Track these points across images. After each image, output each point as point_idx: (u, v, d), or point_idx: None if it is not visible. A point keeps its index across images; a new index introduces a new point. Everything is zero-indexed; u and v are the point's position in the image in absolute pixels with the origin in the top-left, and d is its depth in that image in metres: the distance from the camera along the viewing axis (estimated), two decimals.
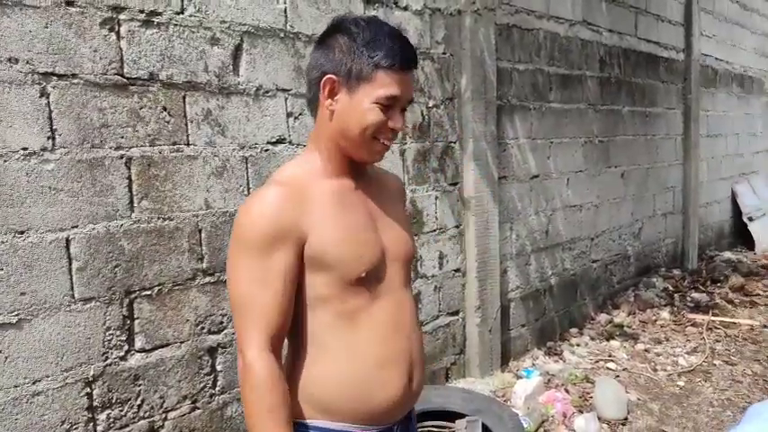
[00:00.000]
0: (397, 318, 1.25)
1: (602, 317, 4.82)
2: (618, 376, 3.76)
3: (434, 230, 3.46)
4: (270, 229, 1.14)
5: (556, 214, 4.41)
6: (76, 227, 2.09)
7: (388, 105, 1.19)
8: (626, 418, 3.28)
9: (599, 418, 3.21)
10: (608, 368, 3.92)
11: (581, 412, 3.27)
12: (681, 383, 3.76)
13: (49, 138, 2.02)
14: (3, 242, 1.93)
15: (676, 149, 6.07)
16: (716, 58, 6.89)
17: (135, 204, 2.23)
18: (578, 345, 4.32)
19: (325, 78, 1.21)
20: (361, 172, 1.33)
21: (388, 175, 1.50)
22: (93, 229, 2.13)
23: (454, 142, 3.55)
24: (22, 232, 1.97)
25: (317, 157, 1.27)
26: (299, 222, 1.17)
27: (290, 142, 2.70)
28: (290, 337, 1.23)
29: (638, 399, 3.54)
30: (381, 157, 1.29)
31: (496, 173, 3.75)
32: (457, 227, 3.60)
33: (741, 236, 7.47)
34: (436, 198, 3.46)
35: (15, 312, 1.97)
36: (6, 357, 1.95)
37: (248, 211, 1.19)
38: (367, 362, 1.20)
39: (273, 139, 2.64)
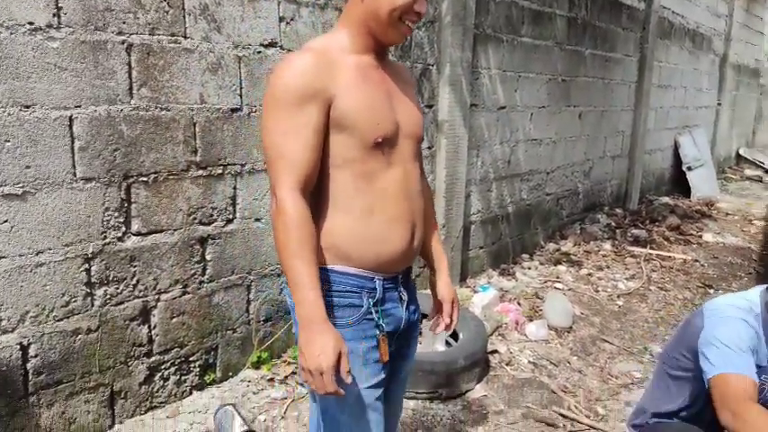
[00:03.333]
0: (405, 184, 1.40)
1: (551, 245, 5.16)
2: (564, 294, 4.10)
3: None
4: (302, 87, 1.26)
5: (518, 146, 4.64)
6: (79, 107, 2.14)
7: None
8: (571, 327, 3.63)
9: (548, 326, 3.54)
10: (555, 287, 4.26)
11: (531, 321, 3.59)
12: (620, 303, 4.14)
13: (54, 15, 2.04)
14: (9, 114, 1.98)
15: (629, 96, 6.38)
16: (673, 12, 7.17)
17: (134, 91, 2.29)
18: (529, 268, 4.65)
19: None
20: (382, 55, 1.45)
21: (402, 65, 1.65)
22: (95, 111, 2.18)
23: (432, 65, 3.68)
24: (27, 106, 2.01)
25: (345, 34, 1.38)
26: (328, 86, 1.28)
27: (281, 47, 2.76)
28: (313, 196, 1.34)
29: (582, 313, 3.90)
30: (405, 39, 1.44)
31: (469, 99, 3.91)
32: (429, 148, 3.77)
33: (678, 184, 7.99)
34: None
35: (20, 184, 2.03)
36: (12, 227, 2.03)
37: (281, 71, 1.29)
38: (379, 218, 1.36)
39: (266, 42, 2.70)
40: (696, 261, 5.17)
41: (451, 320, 1.65)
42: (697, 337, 1.88)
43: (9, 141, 1.98)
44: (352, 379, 1.27)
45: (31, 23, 1.99)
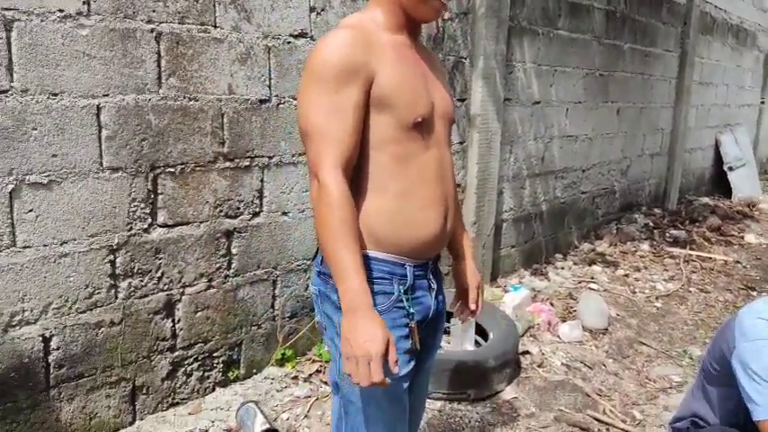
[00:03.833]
0: (440, 168, 1.37)
1: (586, 245, 5.02)
2: (599, 295, 3.96)
3: None
4: (339, 65, 1.21)
5: (553, 142, 4.51)
6: (107, 95, 2.11)
7: None
8: (606, 329, 3.50)
9: (582, 327, 3.42)
10: (590, 288, 4.13)
11: (564, 321, 3.47)
12: (658, 305, 3.99)
13: (84, 2, 2.02)
14: (38, 102, 1.95)
15: (669, 92, 6.16)
16: (715, 6, 6.91)
17: (163, 80, 2.25)
18: (562, 268, 4.52)
19: None
20: (415, 36, 1.41)
21: (432, 53, 1.60)
22: (123, 99, 2.15)
23: (465, 58, 3.58)
24: (55, 94, 1.99)
25: (379, 12, 1.35)
26: (369, 63, 1.24)
27: (311, 37, 2.70)
28: (351, 178, 1.31)
29: (618, 314, 3.76)
30: (438, 15, 1.37)
31: (502, 94, 3.80)
32: (461, 143, 3.68)
33: (719, 185, 7.71)
34: None
35: (46, 173, 2.01)
36: (37, 216, 2.01)
37: (320, 49, 1.24)
38: (414, 202, 1.32)
39: (296, 32, 2.65)
40: (738, 262, 4.97)
41: (477, 306, 1.60)
42: (728, 353, 1.73)
43: (36, 129, 1.96)
44: (397, 369, 1.21)
45: (61, 11, 1.97)
